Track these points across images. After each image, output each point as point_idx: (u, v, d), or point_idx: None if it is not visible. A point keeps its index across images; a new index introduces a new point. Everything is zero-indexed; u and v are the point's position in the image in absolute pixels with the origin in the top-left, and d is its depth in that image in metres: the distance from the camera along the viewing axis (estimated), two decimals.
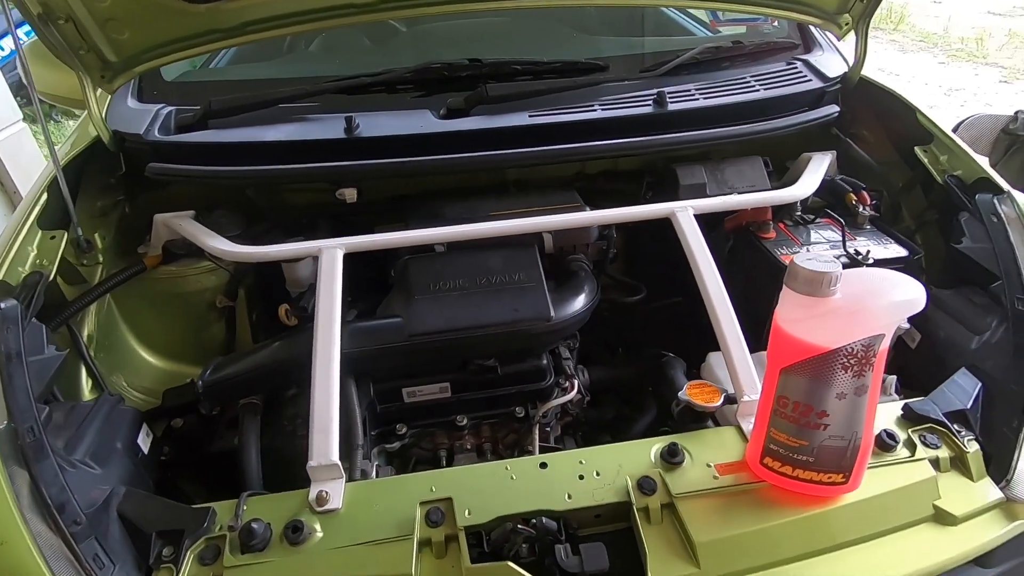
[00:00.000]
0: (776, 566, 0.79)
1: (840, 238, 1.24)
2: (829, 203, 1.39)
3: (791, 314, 0.73)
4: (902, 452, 0.89)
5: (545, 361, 1.11)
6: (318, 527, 0.81)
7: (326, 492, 0.84)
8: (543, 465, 0.89)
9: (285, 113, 1.34)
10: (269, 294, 1.35)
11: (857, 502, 0.83)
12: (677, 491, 0.84)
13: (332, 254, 1.08)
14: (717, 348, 1.44)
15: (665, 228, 1.19)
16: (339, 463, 0.86)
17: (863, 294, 0.70)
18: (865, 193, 1.32)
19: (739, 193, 1.32)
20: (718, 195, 1.33)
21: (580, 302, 1.13)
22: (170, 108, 1.37)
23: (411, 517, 0.81)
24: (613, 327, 1.50)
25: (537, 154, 1.27)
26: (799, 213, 1.32)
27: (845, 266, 1.15)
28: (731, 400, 0.97)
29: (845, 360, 0.70)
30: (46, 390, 0.93)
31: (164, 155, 1.27)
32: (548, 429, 1.17)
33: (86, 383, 1.17)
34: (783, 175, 1.48)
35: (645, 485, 0.84)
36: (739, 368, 0.97)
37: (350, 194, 1.24)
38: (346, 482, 0.87)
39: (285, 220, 1.40)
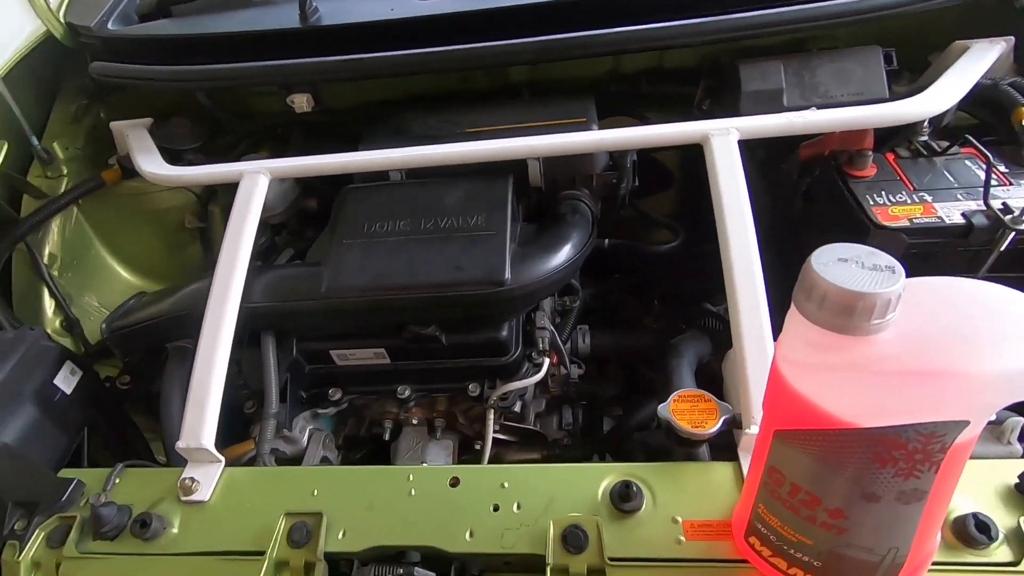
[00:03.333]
0: None
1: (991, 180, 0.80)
2: (986, 121, 0.91)
3: (799, 354, 0.42)
4: (998, 553, 0.56)
5: (506, 332, 0.86)
6: (176, 522, 0.69)
7: (192, 479, 0.71)
8: (454, 482, 0.68)
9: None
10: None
11: None
12: (615, 554, 0.60)
13: (252, 180, 0.88)
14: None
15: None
16: (211, 448, 0.72)
17: (940, 336, 0.37)
18: None
19: (836, 104, 0.89)
20: (803, 107, 0.91)
21: (558, 259, 0.84)
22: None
23: (272, 530, 0.66)
24: (638, 274, 1.18)
25: (542, 46, 0.92)
26: (925, 139, 0.88)
27: (981, 231, 0.76)
28: (735, 425, 0.68)
29: (885, 451, 0.39)
30: None
31: (115, 51, 1.11)
32: (518, 410, 0.94)
33: (49, 306, 1.14)
34: (921, 76, 1.00)
35: (571, 538, 0.61)
36: (751, 382, 0.66)
37: (300, 101, 1.00)
38: (227, 466, 0.73)
39: (258, 131, 1.21)
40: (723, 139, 0.79)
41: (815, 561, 0.50)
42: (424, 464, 0.91)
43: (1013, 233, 0.73)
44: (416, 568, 0.61)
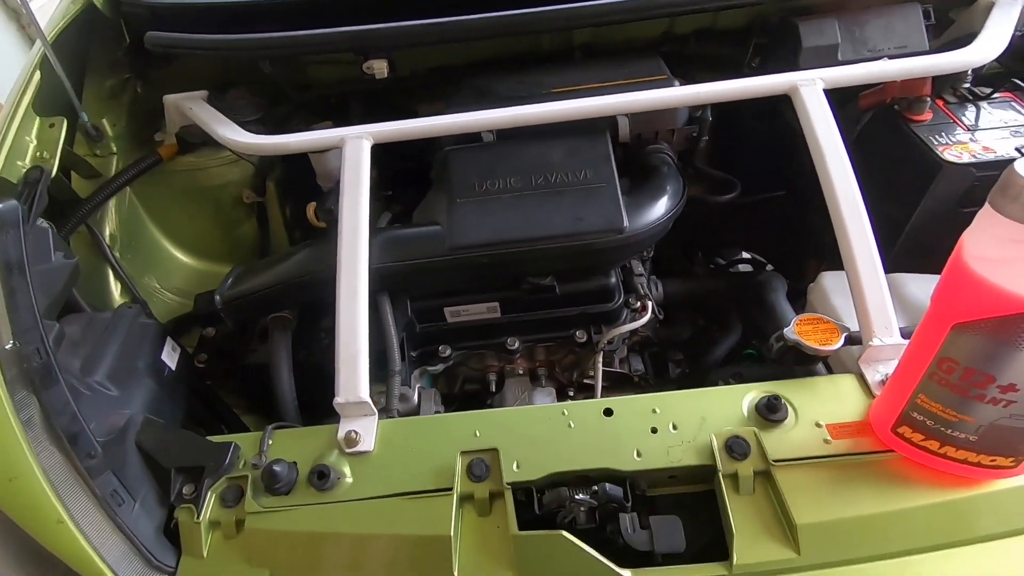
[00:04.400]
0: (899, 556, 0.63)
1: None
2: (1012, 70, 1.03)
3: (994, 250, 0.49)
4: None
5: (613, 279, 0.92)
6: (347, 471, 0.72)
7: (355, 432, 0.74)
8: (608, 412, 0.74)
9: None
10: (302, 188, 1.19)
11: (1018, 486, 0.64)
12: (776, 456, 0.67)
13: (357, 145, 0.89)
14: (821, 258, 1.21)
15: (772, 105, 0.91)
16: (369, 400, 0.75)
17: None
18: None
19: (887, 56, 0.98)
20: (855, 61, 1.00)
21: (661, 207, 0.90)
22: None
23: (451, 467, 0.70)
24: (692, 227, 1.26)
25: (615, 6, 0.97)
26: (968, 85, 0.98)
27: None
28: (854, 341, 0.76)
29: None
30: (56, 303, 0.84)
31: (166, 21, 1.07)
32: (614, 353, 1.01)
33: (115, 287, 1.10)
34: (943, 30, 1.10)
35: (735, 447, 0.68)
36: (871, 301, 0.74)
37: (379, 67, 1.01)
38: (379, 419, 0.76)
39: (311, 101, 1.20)
40: (811, 88, 0.86)
41: (972, 436, 0.59)
42: None
43: None
44: (606, 484, 0.66)
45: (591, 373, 0.97)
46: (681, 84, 0.96)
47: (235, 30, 1.00)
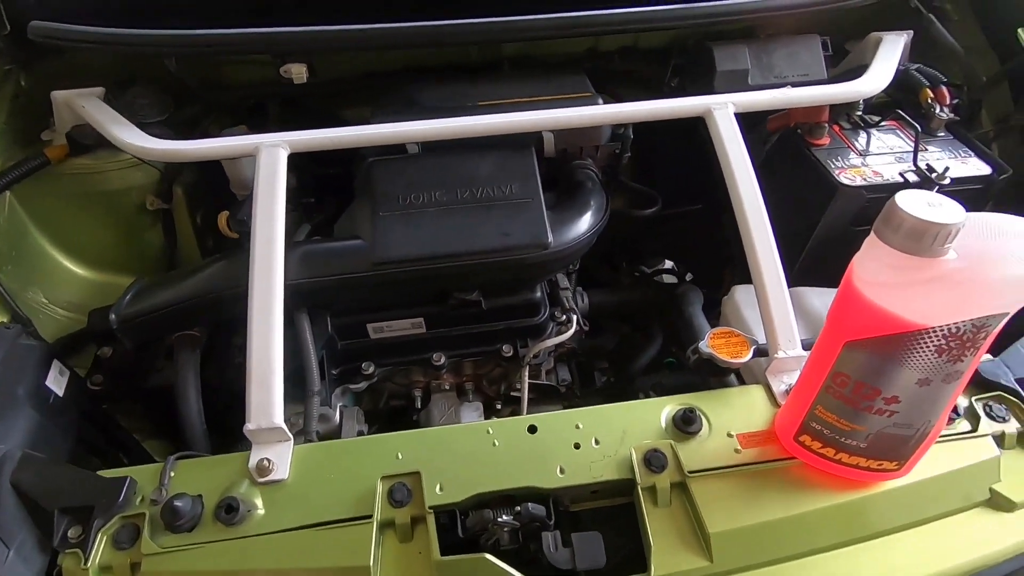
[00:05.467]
0: (803, 557, 0.67)
1: (910, 147, 1.00)
2: (895, 100, 1.13)
3: (879, 275, 0.53)
4: (962, 426, 0.74)
5: (539, 294, 0.92)
6: (259, 503, 0.68)
7: (268, 460, 0.70)
8: (532, 429, 0.74)
9: None
10: (215, 194, 1.12)
11: (903, 487, 0.70)
12: (691, 467, 0.70)
13: (272, 154, 0.84)
14: (733, 269, 1.28)
15: (689, 123, 0.95)
16: (283, 426, 0.71)
17: (987, 254, 0.50)
18: (945, 89, 1.06)
19: (791, 83, 1.05)
20: (763, 85, 1.07)
21: (585, 223, 0.91)
22: None
23: (371, 492, 0.68)
24: (617, 239, 1.30)
25: (540, 23, 0.98)
26: (860, 113, 1.07)
27: (915, 185, 0.97)
28: (762, 353, 0.81)
29: (944, 342, 0.52)
30: None
31: (54, 8, 0.97)
32: (540, 365, 1.01)
33: None
34: (839, 60, 1.20)
35: (653, 460, 0.70)
36: (776, 316, 0.79)
37: (298, 71, 0.96)
38: (296, 444, 0.73)
39: (225, 102, 1.13)
40: (724, 111, 0.90)
41: (862, 444, 0.64)
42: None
43: (936, 187, 0.93)
44: (528, 504, 0.66)
45: (518, 386, 0.97)
46: (605, 102, 0.98)
47: (138, 24, 0.92)
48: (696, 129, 1.11)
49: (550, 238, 0.84)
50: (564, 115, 0.92)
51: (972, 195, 0.99)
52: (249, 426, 0.70)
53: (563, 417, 0.76)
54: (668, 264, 1.52)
